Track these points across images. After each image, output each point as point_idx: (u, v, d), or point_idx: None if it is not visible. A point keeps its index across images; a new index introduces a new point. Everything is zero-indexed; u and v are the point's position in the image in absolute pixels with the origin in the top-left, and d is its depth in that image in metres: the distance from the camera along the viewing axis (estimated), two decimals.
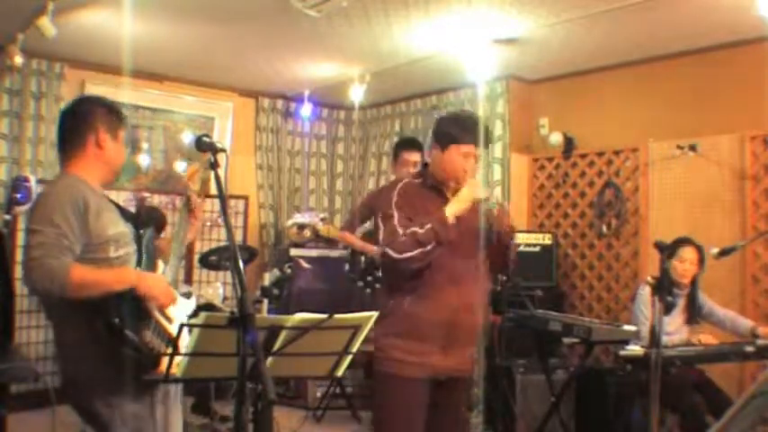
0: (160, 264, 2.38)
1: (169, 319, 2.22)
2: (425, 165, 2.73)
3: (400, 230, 2.47)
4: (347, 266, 4.65)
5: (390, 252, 2.46)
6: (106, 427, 2.14)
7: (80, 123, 2.29)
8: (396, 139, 5.88)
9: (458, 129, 2.60)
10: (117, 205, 2.37)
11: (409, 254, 2.43)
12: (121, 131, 2.35)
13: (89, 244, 2.13)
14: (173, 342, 2.11)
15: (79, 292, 2.02)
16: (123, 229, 2.26)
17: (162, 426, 2.24)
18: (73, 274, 2.01)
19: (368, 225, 4.56)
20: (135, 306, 2.11)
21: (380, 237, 2.59)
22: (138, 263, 2.26)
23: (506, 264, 2.71)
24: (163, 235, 4.06)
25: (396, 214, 2.53)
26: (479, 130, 2.63)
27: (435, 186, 2.62)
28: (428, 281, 2.52)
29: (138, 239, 2.31)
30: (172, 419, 2.31)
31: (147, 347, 2.08)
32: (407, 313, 2.50)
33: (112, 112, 2.35)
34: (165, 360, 2.03)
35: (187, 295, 2.46)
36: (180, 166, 2.63)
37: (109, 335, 2.06)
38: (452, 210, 2.50)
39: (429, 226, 2.45)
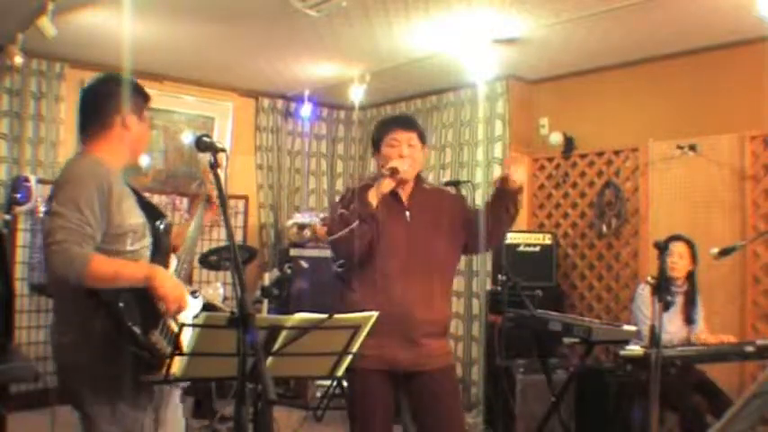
0: (173, 258, 2.36)
1: (174, 319, 2.18)
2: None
3: (335, 216, 2.66)
4: None
5: (327, 236, 2.68)
6: (93, 424, 2.09)
7: (105, 103, 2.20)
8: None
9: (379, 127, 2.81)
10: (135, 191, 2.31)
11: (338, 234, 2.58)
12: (146, 111, 2.30)
13: (107, 233, 2.08)
14: (176, 342, 2.09)
15: (96, 283, 1.97)
16: (141, 219, 2.20)
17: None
18: (92, 264, 1.94)
19: None
20: (147, 304, 2.04)
21: None
22: (153, 256, 2.21)
23: (502, 232, 2.86)
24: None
25: (339, 207, 2.70)
26: (400, 118, 2.88)
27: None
28: (378, 273, 2.62)
29: (154, 231, 2.26)
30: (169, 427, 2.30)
31: (153, 347, 2.02)
32: (359, 307, 2.51)
33: (138, 92, 2.28)
34: (167, 362, 2.00)
35: (194, 295, 2.45)
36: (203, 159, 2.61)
37: (116, 330, 2.00)
38: (374, 189, 2.64)
39: (353, 206, 2.60)
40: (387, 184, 2.63)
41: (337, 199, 2.98)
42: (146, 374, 2.05)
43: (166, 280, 2.07)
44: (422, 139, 2.77)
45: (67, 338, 2.14)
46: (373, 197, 2.61)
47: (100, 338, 2.05)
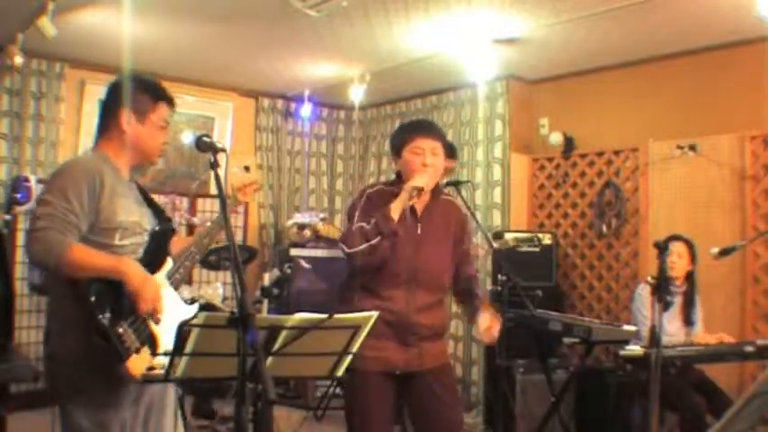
0: (169, 261, 2.33)
1: (156, 320, 2.16)
2: (398, 174, 2.78)
3: (354, 228, 2.62)
4: None
5: (343, 246, 2.63)
6: (66, 415, 2.10)
7: (108, 104, 2.24)
8: None
9: (403, 132, 2.77)
10: (144, 194, 2.34)
11: (357, 248, 2.56)
12: (153, 113, 2.25)
13: (95, 225, 2.10)
14: (152, 344, 2.10)
15: (73, 271, 2.01)
16: (136, 218, 2.21)
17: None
18: (71, 252, 1.99)
19: None
20: (123, 298, 2.05)
21: None
22: (145, 254, 2.22)
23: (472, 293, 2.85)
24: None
25: (357, 215, 2.67)
26: (426, 124, 2.81)
27: None
28: (379, 279, 2.63)
29: (155, 233, 2.27)
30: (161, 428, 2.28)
31: (117, 338, 2.01)
32: (357, 310, 2.52)
33: (143, 92, 2.25)
34: (137, 360, 2.02)
35: (190, 301, 2.40)
36: (235, 174, 2.66)
37: (87, 321, 2.01)
38: (396, 203, 2.60)
39: (374, 220, 2.57)
40: (411, 201, 2.62)
41: (340, 203, 2.95)
42: (116, 367, 2.02)
43: (138, 277, 2.07)
44: (443, 143, 2.73)
45: (49, 329, 2.19)
46: (396, 212, 2.58)
47: (74, 329, 2.07)
